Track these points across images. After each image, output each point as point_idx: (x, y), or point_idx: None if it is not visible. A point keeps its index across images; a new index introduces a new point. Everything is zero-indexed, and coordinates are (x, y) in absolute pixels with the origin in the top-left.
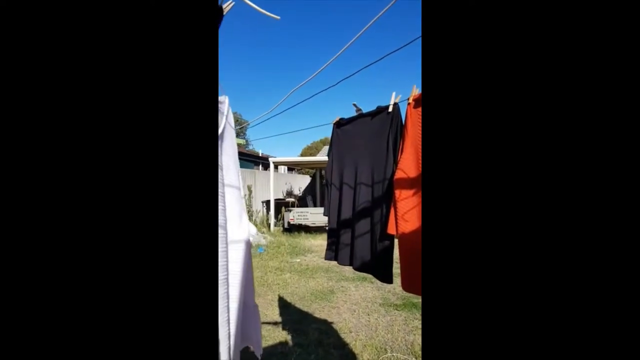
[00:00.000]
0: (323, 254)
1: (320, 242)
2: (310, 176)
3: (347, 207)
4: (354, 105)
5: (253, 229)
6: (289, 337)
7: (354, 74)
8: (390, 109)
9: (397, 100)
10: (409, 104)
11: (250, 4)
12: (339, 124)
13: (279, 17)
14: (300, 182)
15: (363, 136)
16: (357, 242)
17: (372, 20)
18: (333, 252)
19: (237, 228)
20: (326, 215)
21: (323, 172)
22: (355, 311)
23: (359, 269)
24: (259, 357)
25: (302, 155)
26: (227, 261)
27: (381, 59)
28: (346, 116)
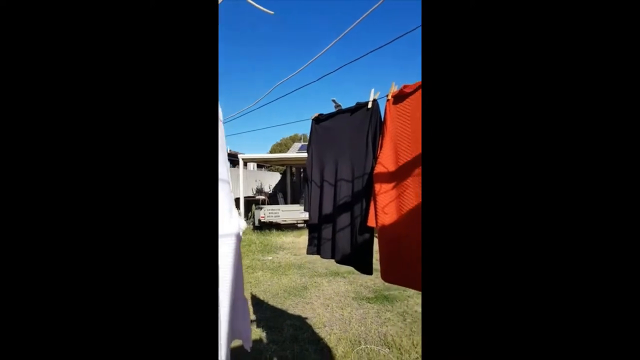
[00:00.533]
0: (295, 251)
1: (291, 239)
2: (281, 173)
3: (328, 202)
4: (333, 101)
5: (243, 223)
6: (263, 335)
7: (333, 72)
8: (369, 105)
9: (376, 97)
10: (388, 100)
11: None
12: (318, 120)
13: (272, 12)
14: (270, 180)
15: (343, 132)
16: (339, 235)
17: (356, 22)
18: (315, 246)
19: (227, 222)
20: (307, 211)
21: (294, 169)
22: (328, 306)
23: (340, 261)
24: (249, 350)
25: (271, 152)
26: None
27: (360, 58)
28: (321, 112)
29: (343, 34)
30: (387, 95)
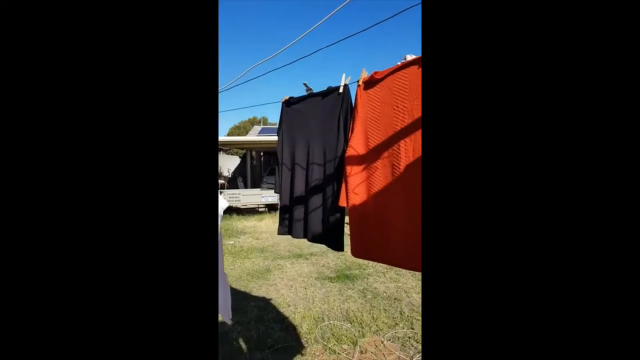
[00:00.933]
0: (257, 235)
1: (253, 223)
2: (240, 157)
3: (300, 184)
4: (305, 84)
5: (224, 203)
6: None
7: (307, 56)
8: (341, 90)
9: (347, 82)
10: (358, 86)
11: None
12: (289, 103)
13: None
14: (229, 163)
15: (314, 115)
16: (311, 216)
17: (334, 11)
18: (286, 227)
19: None
20: (277, 193)
21: (254, 153)
22: (292, 286)
23: (312, 240)
24: (230, 323)
25: (229, 135)
26: None
27: (329, 45)
28: (288, 95)
29: (310, 29)
30: (357, 81)
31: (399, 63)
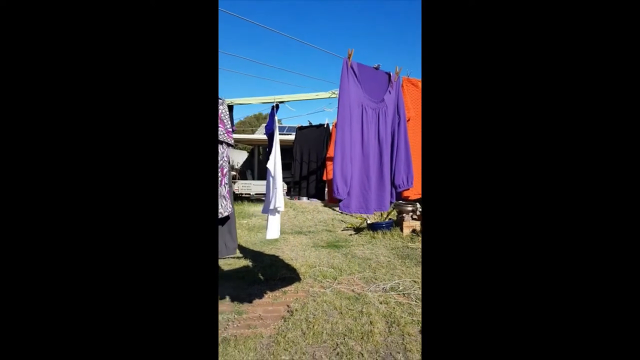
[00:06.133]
0: (265, 217)
1: (261, 208)
2: (248, 152)
3: (304, 170)
4: (309, 122)
5: (282, 204)
6: (249, 263)
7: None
8: (325, 126)
9: (327, 122)
10: (332, 124)
11: None
12: (301, 128)
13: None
14: (238, 157)
15: (312, 136)
16: (310, 186)
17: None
18: (297, 193)
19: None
20: (293, 175)
21: (261, 149)
22: (294, 250)
23: (309, 197)
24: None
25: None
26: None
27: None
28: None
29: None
30: (332, 124)
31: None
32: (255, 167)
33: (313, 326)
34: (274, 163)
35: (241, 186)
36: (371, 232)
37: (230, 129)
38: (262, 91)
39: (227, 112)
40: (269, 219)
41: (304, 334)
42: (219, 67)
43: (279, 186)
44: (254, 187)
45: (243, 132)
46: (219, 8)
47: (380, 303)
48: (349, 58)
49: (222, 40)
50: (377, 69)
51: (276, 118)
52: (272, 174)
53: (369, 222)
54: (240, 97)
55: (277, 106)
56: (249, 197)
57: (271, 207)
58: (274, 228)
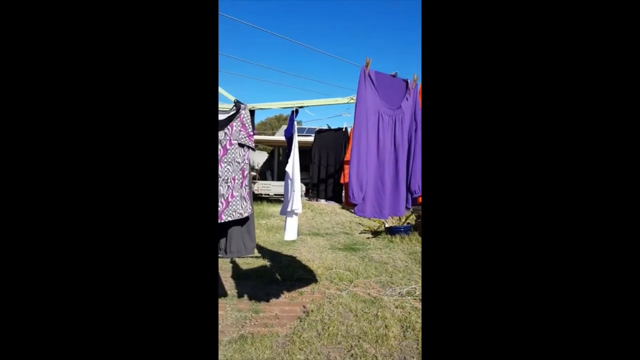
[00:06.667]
0: (283, 218)
1: (279, 209)
2: (268, 153)
3: (322, 173)
4: (328, 125)
5: (299, 206)
6: (267, 263)
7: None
8: (344, 129)
9: (345, 126)
10: (350, 128)
11: None
12: (320, 131)
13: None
14: (258, 158)
15: (330, 139)
16: (328, 188)
17: None
18: (315, 195)
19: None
20: (311, 177)
21: (281, 150)
22: (311, 251)
23: (327, 199)
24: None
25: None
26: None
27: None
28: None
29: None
30: (350, 127)
31: None
32: (275, 168)
33: (328, 327)
34: (292, 166)
35: (261, 187)
36: (389, 235)
37: (252, 133)
38: (283, 97)
39: (249, 117)
40: (286, 220)
41: (319, 334)
42: (245, 75)
43: (297, 189)
44: (274, 187)
45: (264, 132)
46: (246, 22)
47: (396, 307)
48: (366, 66)
49: (248, 51)
50: (394, 76)
51: (295, 122)
52: (291, 177)
53: (387, 225)
54: (262, 102)
55: (297, 111)
56: (268, 197)
57: (289, 209)
58: (291, 230)
